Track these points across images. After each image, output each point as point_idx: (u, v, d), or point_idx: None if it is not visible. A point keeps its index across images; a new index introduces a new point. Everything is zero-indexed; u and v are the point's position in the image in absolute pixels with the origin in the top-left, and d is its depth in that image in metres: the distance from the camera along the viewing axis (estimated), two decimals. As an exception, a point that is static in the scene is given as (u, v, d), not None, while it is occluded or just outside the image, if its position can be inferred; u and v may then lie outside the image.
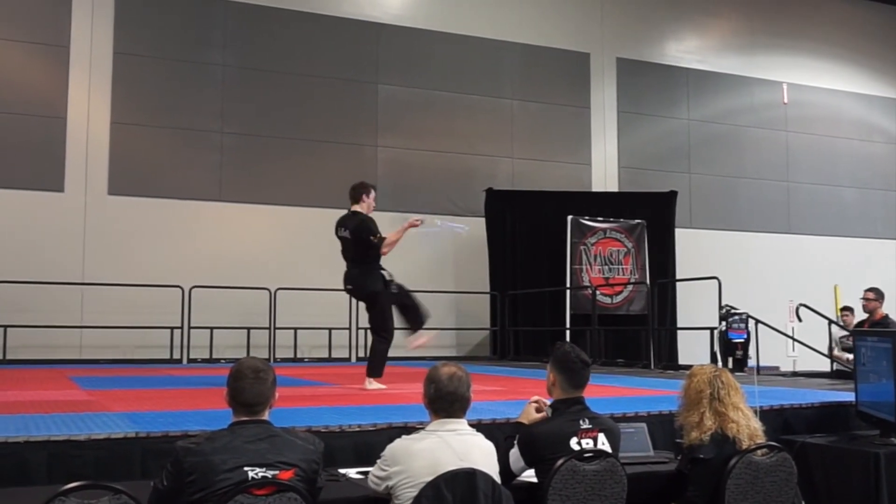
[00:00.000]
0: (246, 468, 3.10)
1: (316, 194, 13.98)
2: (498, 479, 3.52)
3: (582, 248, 14.08)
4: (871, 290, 10.62)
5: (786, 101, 17.97)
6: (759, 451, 4.11)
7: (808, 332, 12.28)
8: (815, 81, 18.39)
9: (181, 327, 12.54)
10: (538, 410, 4.08)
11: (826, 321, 11.68)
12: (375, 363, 7.50)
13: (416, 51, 15.07)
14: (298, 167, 14.02)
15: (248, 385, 3.27)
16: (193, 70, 13.73)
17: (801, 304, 11.64)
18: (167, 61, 13.53)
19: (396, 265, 14.64)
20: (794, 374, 11.28)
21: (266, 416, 3.33)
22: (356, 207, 7.64)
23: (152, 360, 12.27)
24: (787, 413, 5.96)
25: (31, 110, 12.66)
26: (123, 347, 12.55)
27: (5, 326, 11.74)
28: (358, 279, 7.58)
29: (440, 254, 14.76)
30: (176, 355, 12.52)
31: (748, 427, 4.15)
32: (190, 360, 12.56)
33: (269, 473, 3.12)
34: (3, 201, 12.38)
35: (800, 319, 11.63)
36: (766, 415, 5.01)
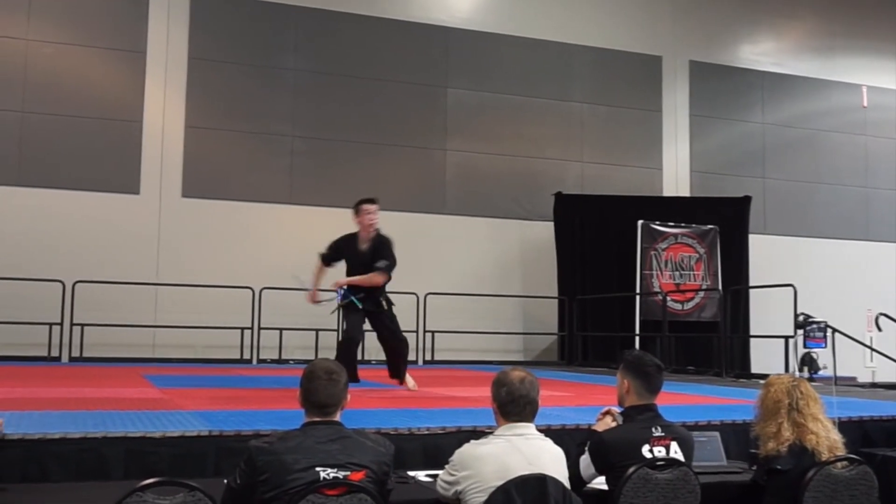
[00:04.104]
0: (318, 468, 3.12)
1: (385, 198, 13.87)
2: (567, 484, 3.48)
3: (652, 253, 13.89)
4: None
5: (865, 104, 17.49)
6: (838, 464, 3.99)
7: (887, 342, 11.94)
8: (896, 84, 17.88)
9: (251, 328, 12.72)
10: (612, 420, 4.04)
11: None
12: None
13: (485, 54, 15.06)
14: (368, 171, 14.09)
15: (321, 386, 3.28)
16: (266, 74, 13.93)
17: (882, 314, 11.30)
18: (240, 66, 13.76)
19: (463, 269, 14.73)
20: (874, 385, 10.97)
21: (338, 417, 3.34)
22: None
23: (223, 360, 12.45)
24: (866, 425, 5.78)
25: (109, 114, 12.99)
26: (195, 347, 12.77)
27: (82, 325, 12.05)
28: None
29: (507, 258, 14.73)
30: (246, 355, 12.70)
31: (828, 439, 4.03)
32: (260, 361, 12.73)
33: (341, 474, 3.13)
34: (81, 203, 12.72)
35: (879, 329, 11.29)
36: (844, 426, 4.86)
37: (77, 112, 12.83)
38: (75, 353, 12.04)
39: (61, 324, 12.01)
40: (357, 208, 7.56)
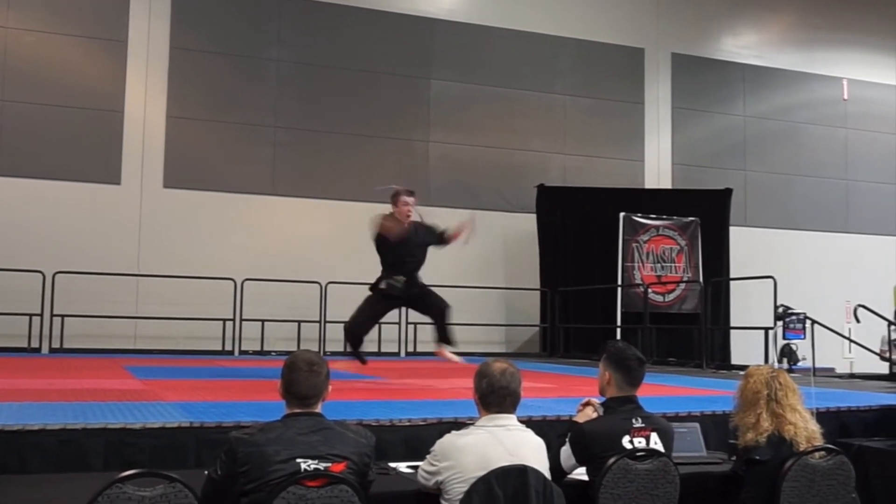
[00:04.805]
0: (298, 460, 3.12)
1: (367, 189, 14.02)
2: (548, 475, 3.50)
3: (634, 245, 13.95)
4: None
5: (846, 97, 17.60)
6: (816, 454, 4.03)
7: (865, 333, 12.03)
8: (876, 77, 17.99)
9: (233, 319, 12.69)
10: (593, 411, 4.06)
11: (886, 322, 11.44)
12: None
13: (468, 46, 15.05)
14: (350, 162, 14.07)
15: (302, 377, 3.28)
16: (248, 65, 13.87)
17: (860, 305, 11.40)
18: (223, 56, 13.69)
19: (445, 260, 14.69)
20: (851, 375, 11.07)
21: (319, 408, 3.34)
22: None
23: (205, 352, 12.41)
24: (844, 416, 5.84)
25: (90, 104, 12.90)
26: (177, 338, 12.72)
27: (63, 316, 11.97)
28: None
29: (490, 250, 14.72)
30: (228, 347, 12.66)
31: (806, 429, 4.06)
32: (241, 352, 12.70)
33: (322, 465, 3.13)
34: (61, 193, 12.63)
35: (857, 320, 11.39)
36: (822, 417, 4.91)
37: (58, 101, 12.73)
38: (56, 345, 11.98)
39: (41, 314, 11.94)
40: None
